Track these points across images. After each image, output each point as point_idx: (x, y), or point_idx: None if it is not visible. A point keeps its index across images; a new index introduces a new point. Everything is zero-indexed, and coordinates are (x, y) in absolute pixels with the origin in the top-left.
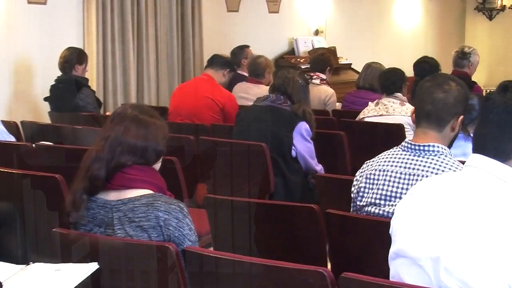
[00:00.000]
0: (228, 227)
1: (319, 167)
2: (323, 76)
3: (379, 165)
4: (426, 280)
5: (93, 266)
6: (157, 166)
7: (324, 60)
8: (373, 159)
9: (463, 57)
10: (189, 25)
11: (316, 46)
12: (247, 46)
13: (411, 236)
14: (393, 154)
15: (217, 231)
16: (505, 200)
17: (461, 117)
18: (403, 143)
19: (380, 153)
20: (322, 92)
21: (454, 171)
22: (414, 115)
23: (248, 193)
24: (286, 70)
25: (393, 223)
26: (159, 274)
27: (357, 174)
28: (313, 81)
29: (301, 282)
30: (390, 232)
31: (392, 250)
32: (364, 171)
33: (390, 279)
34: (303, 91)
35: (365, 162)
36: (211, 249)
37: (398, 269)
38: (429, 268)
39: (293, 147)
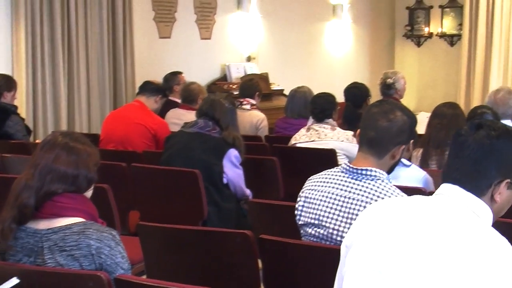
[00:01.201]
0: (161, 255)
1: (248, 192)
2: (253, 102)
3: (317, 185)
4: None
5: (14, 281)
6: (89, 193)
7: (253, 86)
8: (313, 176)
9: (388, 89)
10: (121, 52)
11: (249, 72)
12: (180, 73)
13: (379, 248)
14: (332, 175)
15: (150, 258)
16: (478, 234)
17: (403, 146)
18: (342, 165)
19: None
20: (253, 117)
21: (389, 197)
22: (358, 138)
23: (181, 220)
24: (212, 94)
25: (353, 236)
26: None
27: (300, 192)
28: (244, 106)
29: None
30: (347, 244)
31: (354, 259)
32: (304, 190)
33: None
34: (230, 115)
35: (308, 179)
36: (144, 277)
37: (353, 271)
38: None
39: (224, 174)
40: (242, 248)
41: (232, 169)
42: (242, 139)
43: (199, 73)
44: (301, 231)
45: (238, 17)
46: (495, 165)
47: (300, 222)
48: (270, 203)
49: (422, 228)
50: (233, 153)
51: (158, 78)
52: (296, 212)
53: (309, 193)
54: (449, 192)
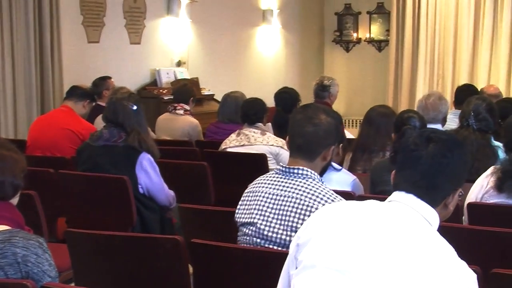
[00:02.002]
0: (90, 262)
1: (170, 194)
2: (187, 107)
3: (254, 187)
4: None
5: None
6: (15, 200)
7: (187, 91)
8: (254, 181)
9: (323, 90)
10: (48, 56)
11: (179, 77)
12: (109, 77)
13: (343, 252)
14: (267, 177)
15: (78, 265)
16: (427, 239)
17: (332, 147)
18: (278, 167)
19: (243, 182)
20: (186, 122)
21: (319, 195)
22: (287, 145)
23: (110, 228)
24: (114, 97)
25: (311, 235)
26: None
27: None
28: (177, 111)
29: None
30: (299, 243)
31: (309, 259)
32: (244, 193)
33: None
34: (135, 116)
35: (249, 186)
36: (72, 284)
37: (307, 272)
38: (357, 282)
39: (138, 184)
40: (172, 254)
41: (145, 177)
42: (152, 140)
43: (129, 78)
44: (239, 232)
45: (167, 22)
46: (449, 179)
47: (238, 224)
48: (201, 208)
49: (379, 231)
50: (144, 158)
51: (87, 83)
52: (235, 214)
53: (246, 196)
54: (404, 200)
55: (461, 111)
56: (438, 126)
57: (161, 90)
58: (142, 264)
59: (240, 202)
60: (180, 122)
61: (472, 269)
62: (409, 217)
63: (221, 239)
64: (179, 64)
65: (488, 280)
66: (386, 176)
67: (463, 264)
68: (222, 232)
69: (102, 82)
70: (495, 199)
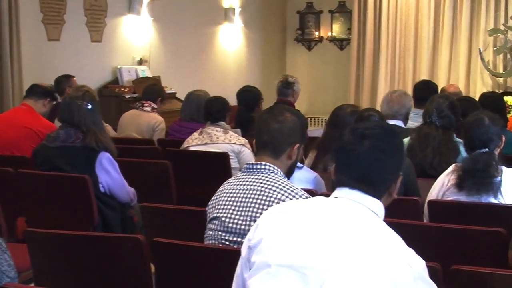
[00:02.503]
0: (50, 261)
1: (131, 191)
2: (154, 105)
3: (222, 186)
4: (302, 285)
5: None
6: None
7: (157, 90)
8: (231, 179)
9: (287, 87)
10: (7, 54)
11: (140, 75)
12: (72, 76)
13: (296, 248)
14: (235, 176)
15: (38, 265)
16: (377, 230)
17: (297, 145)
18: (246, 165)
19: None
20: (152, 118)
21: (279, 186)
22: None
23: (71, 227)
24: (68, 96)
25: (262, 235)
26: None
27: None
28: (144, 108)
29: None
30: (249, 246)
31: (262, 259)
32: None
33: None
34: (90, 115)
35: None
36: (32, 284)
37: (262, 273)
38: (313, 278)
39: (99, 184)
40: (134, 253)
41: (106, 175)
42: (109, 138)
43: (90, 76)
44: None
45: (129, 20)
46: (390, 170)
47: (206, 223)
48: (163, 207)
49: (329, 226)
50: (103, 157)
51: (48, 82)
52: (208, 212)
53: (215, 196)
54: (349, 195)
55: (425, 109)
56: (399, 123)
57: (122, 88)
58: (103, 263)
59: (209, 202)
60: (146, 118)
61: (432, 266)
62: (357, 211)
63: (183, 238)
64: (140, 62)
65: (448, 277)
66: None
67: (412, 251)
68: (184, 230)
69: (65, 79)
70: (455, 196)
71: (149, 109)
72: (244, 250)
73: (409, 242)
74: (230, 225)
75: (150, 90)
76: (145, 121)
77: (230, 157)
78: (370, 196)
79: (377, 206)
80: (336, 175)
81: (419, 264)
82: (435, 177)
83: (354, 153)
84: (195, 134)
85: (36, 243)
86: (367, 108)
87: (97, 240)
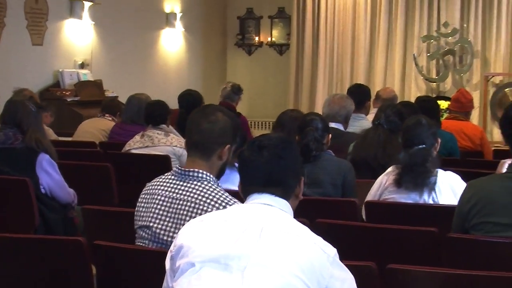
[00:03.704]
0: None
1: (71, 193)
2: (115, 118)
3: (151, 189)
4: (226, 276)
5: None
6: None
7: (116, 105)
8: (151, 182)
9: (236, 93)
10: None
11: (82, 79)
12: (25, 89)
13: (217, 244)
14: (164, 179)
15: None
16: (289, 222)
17: (228, 146)
18: (174, 169)
19: (147, 183)
20: (107, 124)
21: (213, 198)
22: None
23: (11, 230)
24: (14, 97)
25: (182, 241)
26: None
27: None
28: (106, 117)
29: None
30: (171, 256)
31: (185, 261)
32: (141, 195)
33: None
34: (33, 117)
35: (146, 184)
36: None
37: (186, 275)
38: (236, 266)
39: (40, 185)
40: (75, 255)
41: (47, 177)
42: (49, 140)
43: (32, 79)
44: (136, 235)
45: (70, 24)
46: (291, 175)
47: (135, 226)
48: (104, 210)
49: (245, 224)
50: (43, 159)
51: None
52: (134, 217)
53: (143, 198)
54: (261, 200)
55: (375, 115)
56: (339, 126)
57: (64, 92)
58: (45, 265)
59: (138, 204)
60: (103, 123)
61: (368, 265)
62: (269, 210)
63: (124, 241)
64: (82, 66)
65: (384, 276)
66: None
67: (322, 239)
68: (125, 233)
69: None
70: (394, 194)
71: (110, 119)
72: (167, 263)
73: (346, 242)
74: (164, 237)
75: (110, 105)
76: (103, 126)
77: (172, 160)
78: (278, 197)
79: (286, 206)
80: (243, 188)
81: (331, 250)
82: (377, 172)
83: (255, 163)
84: (137, 137)
85: None
86: (310, 112)
87: (39, 242)
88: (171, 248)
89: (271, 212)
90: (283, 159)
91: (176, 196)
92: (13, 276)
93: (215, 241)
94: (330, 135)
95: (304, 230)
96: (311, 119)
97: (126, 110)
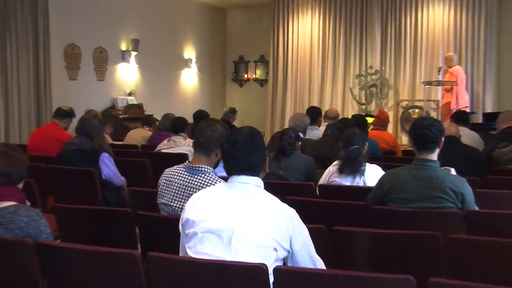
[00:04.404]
0: (70, 226)
1: (121, 182)
2: (151, 128)
3: (169, 175)
4: (219, 242)
5: None
6: (20, 185)
7: (151, 120)
8: (168, 169)
9: (233, 112)
10: (42, 90)
11: (129, 103)
12: (92, 110)
13: (212, 219)
14: (179, 169)
15: (63, 228)
16: (261, 195)
17: None
18: (185, 163)
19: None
20: (147, 133)
21: (211, 183)
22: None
23: (84, 202)
24: (84, 116)
25: (188, 215)
26: (21, 262)
27: (159, 179)
28: (145, 128)
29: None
30: (182, 224)
31: (192, 231)
32: (161, 178)
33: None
34: (97, 129)
35: (164, 171)
36: (58, 241)
37: (193, 240)
38: (225, 236)
39: (102, 174)
40: (124, 221)
41: (106, 168)
42: (108, 144)
43: (97, 103)
44: (160, 208)
45: (122, 67)
46: (259, 158)
47: (158, 201)
48: (143, 190)
49: (232, 199)
50: (104, 156)
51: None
52: (158, 193)
53: (163, 181)
54: (239, 179)
55: (325, 129)
56: (300, 134)
57: (118, 111)
58: (103, 227)
59: (159, 184)
60: (145, 133)
61: (319, 227)
62: (246, 187)
63: (156, 211)
64: (129, 94)
65: (331, 234)
66: None
67: (285, 205)
68: (156, 206)
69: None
70: (337, 178)
71: (147, 129)
72: (180, 228)
73: (305, 212)
74: (178, 212)
75: (147, 119)
76: (140, 134)
77: (189, 156)
78: (251, 176)
79: (258, 182)
80: (226, 171)
81: (291, 211)
82: (326, 164)
83: (232, 154)
84: (165, 141)
85: (60, 213)
86: (288, 128)
87: (100, 212)
88: (181, 218)
89: (248, 189)
90: (251, 149)
91: (188, 184)
92: (83, 233)
93: (210, 216)
94: (300, 142)
95: (271, 201)
96: (287, 131)
97: (161, 123)
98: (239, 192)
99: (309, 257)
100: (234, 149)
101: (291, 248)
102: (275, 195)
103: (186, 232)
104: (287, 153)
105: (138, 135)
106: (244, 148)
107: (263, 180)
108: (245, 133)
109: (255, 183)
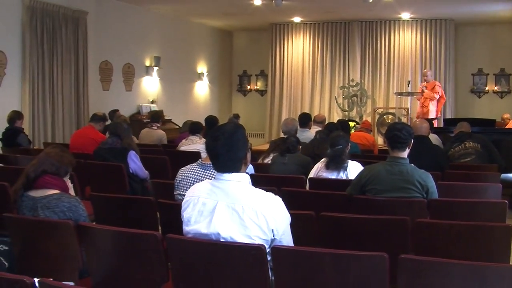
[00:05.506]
0: (104, 211)
1: (145, 175)
2: (159, 125)
3: (185, 172)
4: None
5: None
6: (66, 178)
7: (158, 116)
8: (183, 168)
9: (237, 117)
10: (81, 98)
11: (153, 109)
12: (117, 110)
13: (200, 224)
14: (192, 168)
15: (97, 213)
16: (247, 195)
17: None
18: (198, 161)
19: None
20: (160, 133)
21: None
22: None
23: (115, 191)
24: (115, 120)
25: (184, 213)
26: (64, 240)
27: (177, 175)
28: (153, 127)
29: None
30: (183, 210)
31: (187, 229)
32: (178, 174)
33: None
34: (126, 131)
35: (180, 169)
36: (94, 223)
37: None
38: (213, 238)
39: (129, 168)
40: (147, 208)
41: (133, 163)
42: (135, 143)
43: (126, 109)
44: (176, 198)
45: (146, 79)
46: (240, 152)
47: (175, 193)
48: (164, 182)
49: (219, 193)
50: (131, 154)
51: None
52: (175, 186)
53: (180, 177)
54: (223, 177)
55: (315, 133)
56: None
57: (142, 116)
58: (130, 213)
59: (176, 179)
60: (156, 133)
61: (310, 214)
62: (231, 185)
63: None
64: (152, 102)
65: (319, 220)
66: None
67: (270, 194)
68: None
69: (114, 112)
70: (324, 173)
71: (155, 127)
72: (182, 214)
73: (297, 201)
74: None
75: (154, 114)
76: (156, 135)
77: (202, 153)
78: (233, 173)
79: (240, 177)
80: (213, 166)
81: (274, 202)
82: (315, 161)
83: (213, 150)
84: (183, 141)
85: (96, 200)
86: (291, 135)
87: (128, 200)
88: (182, 207)
89: (231, 187)
90: (231, 146)
91: (201, 178)
92: (113, 216)
93: (198, 220)
94: (301, 146)
95: (254, 197)
96: (289, 137)
97: (182, 128)
98: (224, 191)
99: (286, 243)
100: (216, 145)
101: (273, 237)
102: (272, 187)
103: (183, 218)
104: (291, 152)
105: (152, 136)
106: (224, 145)
107: (263, 176)
108: (226, 131)
109: (237, 179)
